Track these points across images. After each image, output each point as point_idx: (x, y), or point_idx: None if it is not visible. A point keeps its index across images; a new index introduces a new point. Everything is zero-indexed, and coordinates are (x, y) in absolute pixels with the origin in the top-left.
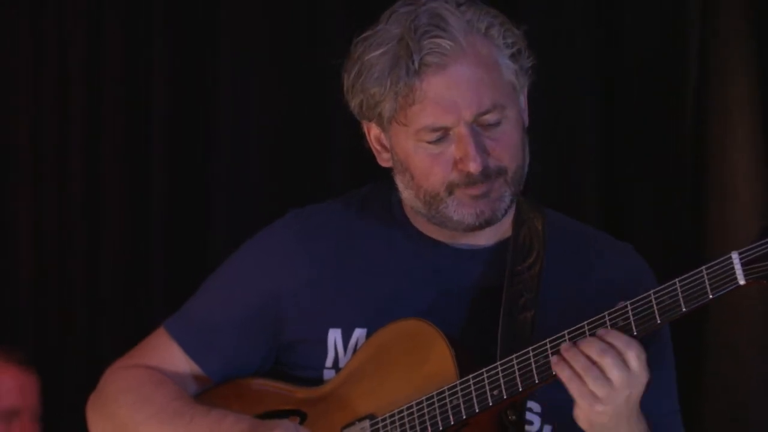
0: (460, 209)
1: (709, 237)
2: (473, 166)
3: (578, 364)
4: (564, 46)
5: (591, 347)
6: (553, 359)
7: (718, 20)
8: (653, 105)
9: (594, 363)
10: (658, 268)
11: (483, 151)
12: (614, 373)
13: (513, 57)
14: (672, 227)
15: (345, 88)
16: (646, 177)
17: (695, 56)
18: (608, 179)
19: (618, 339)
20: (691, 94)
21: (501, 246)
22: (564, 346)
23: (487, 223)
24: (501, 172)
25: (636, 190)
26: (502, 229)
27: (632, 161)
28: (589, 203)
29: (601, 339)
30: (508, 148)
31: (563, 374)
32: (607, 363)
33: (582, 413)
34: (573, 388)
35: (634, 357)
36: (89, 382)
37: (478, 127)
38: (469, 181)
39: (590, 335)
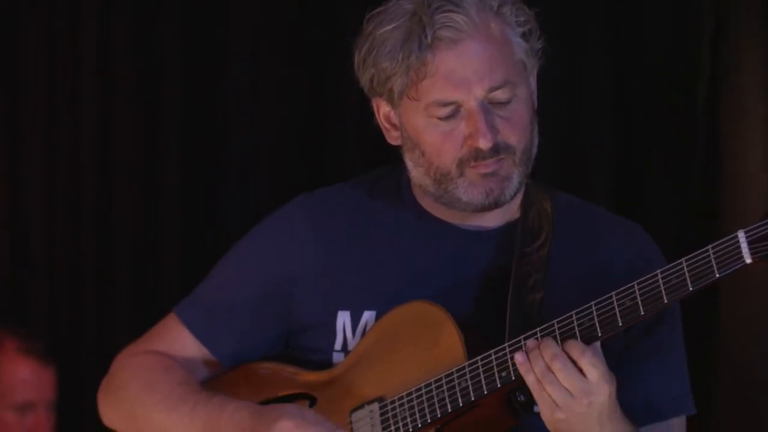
0: (470, 190)
1: (722, 228)
2: (483, 142)
3: (537, 367)
4: (577, 36)
5: (546, 350)
6: (518, 358)
7: (730, 11)
8: (666, 97)
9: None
10: (671, 258)
11: (493, 127)
12: (566, 380)
13: (524, 36)
14: (685, 219)
15: (356, 64)
16: (659, 169)
17: (708, 47)
18: (621, 172)
19: (572, 347)
20: (704, 85)
21: (509, 228)
22: (529, 344)
23: (496, 204)
24: (509, 150)
25: (649, 182)
26: (510, 211)
27: (645, 153)
28: (601, 197)
29: (557, 343)
30: (518, 126)
31: (528, 378)
32: (557, 369)
33: (545, 419)
34: (535, 392)
35: (588, 364)
36: (101, 367)
37: (489, 104)
38: (479, 156)
39: (597, 314)
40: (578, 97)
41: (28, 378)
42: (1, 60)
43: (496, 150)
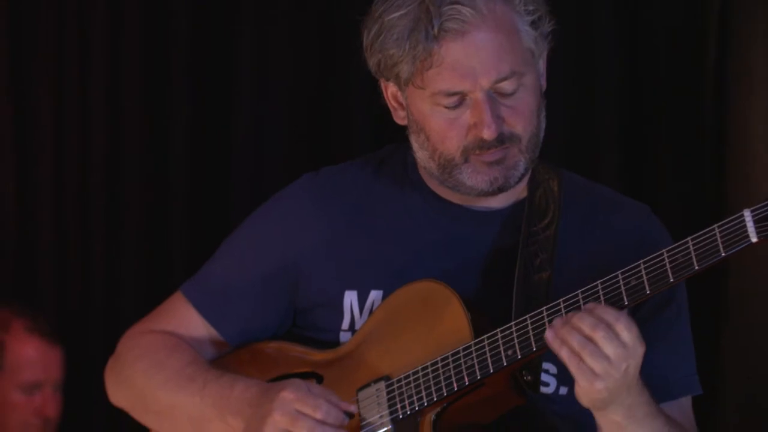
0: (474, 176)
1: (730, 204)
2: (487, 133)
3: (574, 341)
4: (586, 17)
5: (583, 322)
6: (548, 335)
7: None
8: (674, 73)
9: (588, 339)
10: (678, 236)
11: (498, 117)
12: (609, 347)
13: (533, 24)
14: (693, 195)
15: (364, 46)
16: (667, 146)
17: (715, 22)
18: (628, 148)
19: (606, 312)
20: (712, 60)
21: (516, 208)
22: (557, 323)
23: (500, 190)
24: (515, 139)
25: (656, 159)
26: (517, 190)
27: (653, 131)
28: (608, 178)
29: (591, 313)
30: (524, 115)
31: (561, 353)
32: (600, 337)
33: (582, 391)
34: (572, 366)
35: (624, 329)
36: (109, 347)
37: (495, 94)
38: (483, 146)
39: (603, 293)
40: (587, 79)
41: (35, 358)
42: (10, 34)
43: (501, 140)
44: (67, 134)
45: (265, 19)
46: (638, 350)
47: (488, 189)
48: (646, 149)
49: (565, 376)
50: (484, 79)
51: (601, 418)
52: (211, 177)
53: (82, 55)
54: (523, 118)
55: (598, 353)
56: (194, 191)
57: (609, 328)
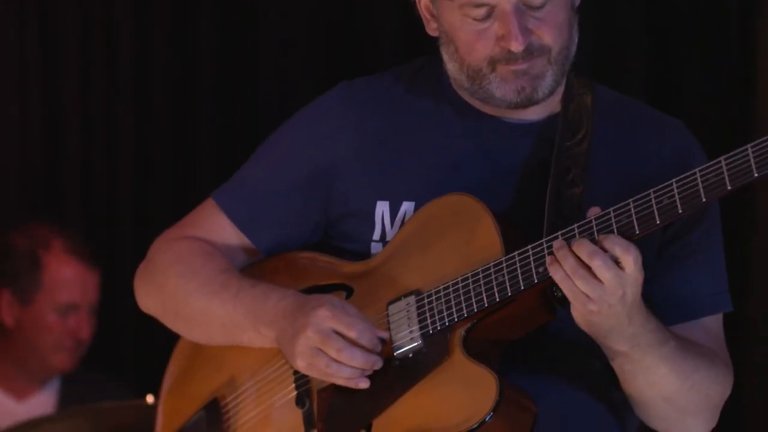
0: (502, 86)
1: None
2: (515, 45)
3: (567, 264)
4: None
5: (582, 249)
6: (548, 259)
7: None
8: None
9: (582, 264)
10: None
11: (526, 30)
12: (604, 274)
13: None
14: (718, 120)
15: None
16: (693, 65)
17: None
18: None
19: (617, 244)
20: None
21: (550, 121)
22: (556, 245)
23: (529, 101)
24: (544, 50)
25: (682, 81)
26: (552, 104)
27: (679, 51)
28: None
29: (597, 243)
30: (553, 28)
31: (555, 275)
32: (596, 265)
33: (576, 312)
34: (565, 288)
35: (631, 261)
36: (135, 259)
37: (524, 7)
38: (511, 57)
39: (635, 212)
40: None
41: (73, 279)
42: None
43: (530, 51)
44: (94, 37)
45: None
46: (638, 279)
47: (516, 99)
48: (671, 71)
49: None
50: None
51: (607, 350)
52: (239, 82)
53: None
54: (552, 30)
55: (589, 278)
56: (222, 95)
57: (606, 257)
